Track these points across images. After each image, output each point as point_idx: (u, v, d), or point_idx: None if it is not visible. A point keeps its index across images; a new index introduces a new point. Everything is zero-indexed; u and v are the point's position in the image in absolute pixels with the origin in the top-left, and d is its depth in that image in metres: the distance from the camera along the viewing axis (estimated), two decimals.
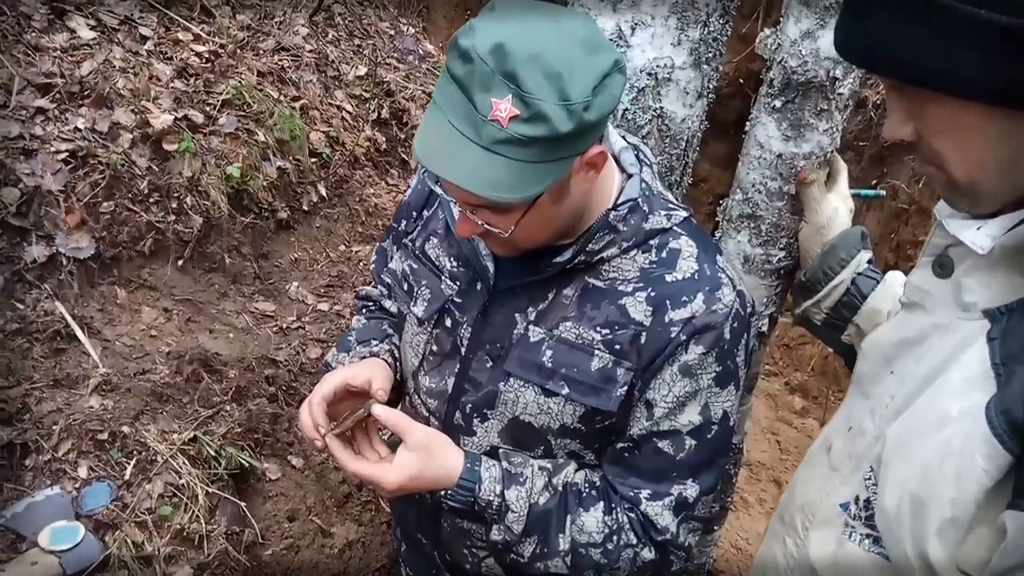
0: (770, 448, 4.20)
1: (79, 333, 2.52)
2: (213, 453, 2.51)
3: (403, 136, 4.00)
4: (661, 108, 1.79)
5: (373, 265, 1.85)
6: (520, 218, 1.32)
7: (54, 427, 2.26)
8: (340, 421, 1.53)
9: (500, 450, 1.56)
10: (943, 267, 1.14)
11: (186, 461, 2.40)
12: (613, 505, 1.51)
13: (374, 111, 3.88)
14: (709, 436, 1.48)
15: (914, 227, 3.95)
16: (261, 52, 3.60)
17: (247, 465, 2.62)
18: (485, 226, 1.34)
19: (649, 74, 1.75)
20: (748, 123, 1.82)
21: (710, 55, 1.79)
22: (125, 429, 2.37)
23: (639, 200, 1.44)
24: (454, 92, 1.23)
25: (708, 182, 5.24)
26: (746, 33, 4.49)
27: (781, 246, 1.83)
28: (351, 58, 3.98)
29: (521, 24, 1.22)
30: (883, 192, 2.03)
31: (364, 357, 1.70)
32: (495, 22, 1.22)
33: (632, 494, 1.49)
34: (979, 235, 1.04)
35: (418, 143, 1.27)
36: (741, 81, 4.87)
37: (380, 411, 1.47)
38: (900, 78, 0.99)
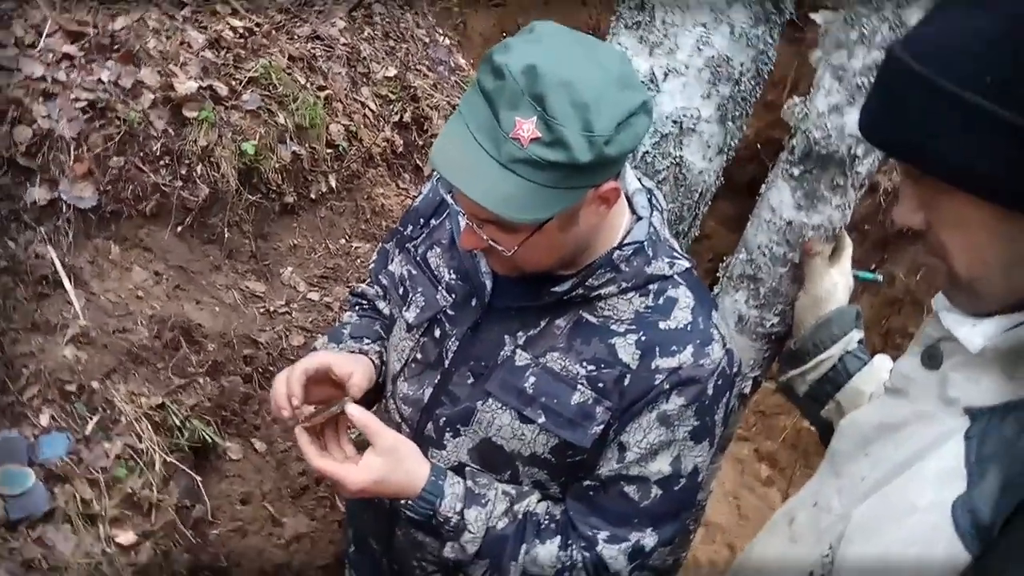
0: (729, 511, 4.19)
1: (66, 281, 2.51)
2: (178, 423, 2.49)
3: (421, 143, 4.00)
4: (681, 157, 1.80)
5: (373, 264, 1.84)
6: (525, 239, 1.32)
7: (24, 370, 2.24)
8: (312, 414, 1.52)
9: (467, 468, 1.55)
10: (932, 358, 1.15)
11: (149, 426, 2.38)
12: (570, 542, 1.50)
13: (397, 113, 3.89)
14: (676, 488, 1.48)
15: (906, 317, 3.96)
16: (296, 37, 3.60)
17: (210, 441, 2.60)
18: (489, 242, 1.34)
19: (675, 121, 1.76)
20: (764, 185, 1.83)
21: (737, 113, 1.80)
22: (94, 384, 2.35)
23: (645, 243, 1.45)
24: (480, 105, 1.23)
25: (711, 239, 5.25)
26: (771, 101, 4.53)
27: (776, 312, 1.84)
28: (383, 58, 3.99)
29: (557, 50, 1.23)
30: (881, 277, 2.04)
31: (353, 352, 1.69)
32: (532, 44, 1.23)
33: (590, 533, 1.49)
34: (973, 333, 1.04)
35: (436, 149, 1.27)
36: (759, 146, 4.91)
37: (354, 410, 1.46)
38: (919, 167, 1.00)
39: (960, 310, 1.08)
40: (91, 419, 2.30)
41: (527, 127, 1.19)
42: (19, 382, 2.23)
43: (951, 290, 1.08)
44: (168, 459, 2.39)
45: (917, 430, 1.12)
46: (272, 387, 1.56)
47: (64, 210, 2.59)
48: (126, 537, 2.19)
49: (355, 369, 1.59)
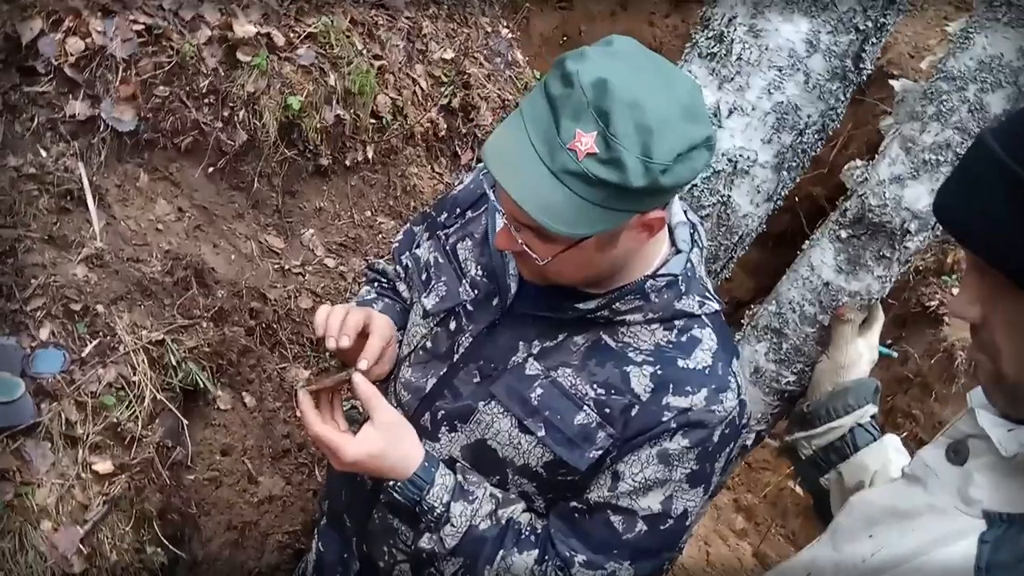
0: (698, 555, 4.16)
1: (90, 200, 2.49)
2: (174, 363, 2.46)
3: (464, 130, 3.97)
4: (729, 196, 1.77)
5: (396, 244, 1.82)
6: (560, 252, 1.30)
7: (32, 280, 2.22)
8: (320, 379, 1.50)
9: (458, 464, 1.53)
10: (957, 453, 1.12)
11: (145, 360, 2.36)
12: (547, 558, 1.48)
13: (446, 96, 3.86)
14: (662, 527, 1.46)
15: (911, 399, 3.93)
16: (361, 1, 3.58)
17: (202, 386, 2.57)
18: (524, 247, 1.32)
19: (730, 160, 1.74)
20: (808, 242, 1.81)
21: (794, 164, 1.78)
22: (99, 308, 2.33)
23: (679, 277, 1.42)
24: (543, 110, 1.21)
25: (731, 283, 5.23)
26: (818, 157, 4.50)
27: (795, 370, 1.82)
28: (443, 39, 3.96)
29: (632, 69, 1.21)
30: (895, 354, 2.02)
31: None
32: (607, 58, 1.21)
33: (568, 555, 1.47)
34: (1008, 437, 1.02)
35: (490, 143, 1.26)
36: (796, 199, 4.88)
37: (359, 381, 1.45)
38: (989, 259, 0.97)
39: (998, 411, 1.05)
40: (90, 342, 2.28)
41: (586, 141, 1.17)
42: (25, 291, 2.20)
43: (993, 389, 1.05)
44: (158, 396, 2.37)
45: (928, 523, 1.10)
46: (323, 315, 1.53)
47: (101, 129, 2.56)
48: (103, 466, 2.17)
49: (390, 357, 1.61)
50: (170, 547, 2.37)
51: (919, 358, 3.86)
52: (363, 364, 1.50)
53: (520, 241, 1.32)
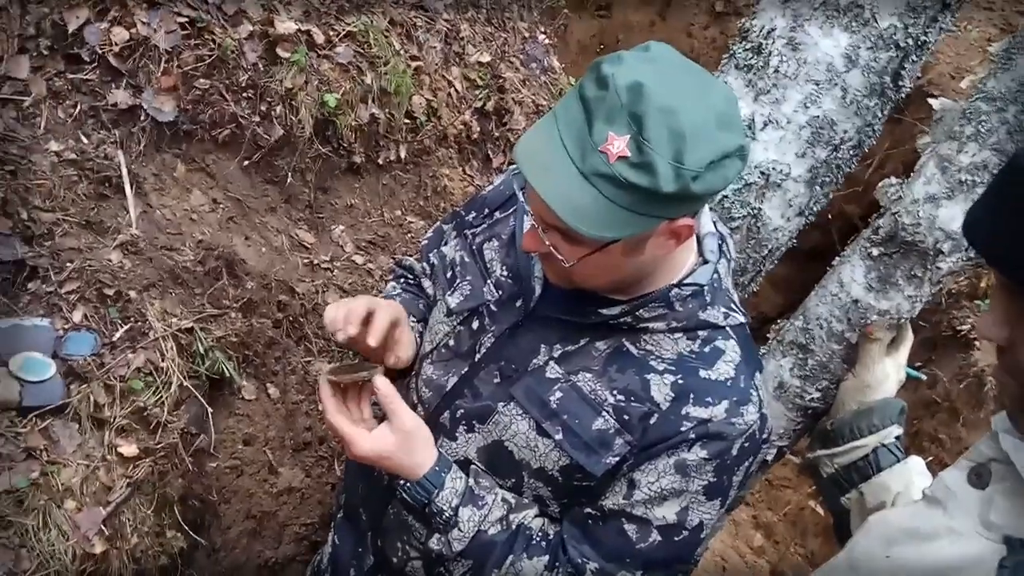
0: (714, 571, 4.13)
1: (127, 188, 2.52)
2: (202, 351, 2.49)
3: (497, 134, 3.98)
4: (759, 210, 1.77)
5: (425, 241, 1.83)
6: (587, 255, 1.29)
7: (68, 264, 2.25)
8: (340, 368, 1.51)
9: (472, 467, 1.54)
10: (979, 477, 1.11)
11: (174, 347, 2.38)
12: (557, 564, 1.47)
13: (481, 100, 3.87)
14: (676, 539, 1.45)
15: (938, 423, 3.88)
16: (401, 2, 3.60)
17: (228, 375, 2.60)
18: (550, 248, 1.32)
19: (762, 173, 1.73)
20: (838, 258, 1.79)
21: (827, 179, 1.77)
22: (132, 293, 2.35)
23: (705, 288, 1.42)
24: (577, 112, 1.21)
25: (757, 297, 5.19)
26: (851, 174, 4.46)
27: (819, 387, 1.80)
28: (480, 42, 3.98)
29: (668, 75, 1.20)
30: (924, 376, 2.00)
31: None
32: (644, 63, 1.21)
33: (580, 561, 1.46)
34: None
35: (521, 143, 1.26)
36: (829, 216, 4.83)
37: (381, 384, 1.45)
38: (1018, 281, 0.96)
39: (1022, 435, 1.04)
40: (121, 327, 2.30)
41: (618, 144, 1.16)
42: (61, 274, 2.23)
43: (1018, 413, 1.04)
44: (184, 383, 2.39)
45: (947, 546, 1.09)
46: (331, 312, 1.55)
47: (142, 118, 2.60)
48: (128, 449, 2.19)
49: (406, 343, 1.61)
50: (190, 532, 2.39)
51: (948, 382, 3.81)
52: (399, 364, 1.54)
53: (547, 243, 1.32)
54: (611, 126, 1.17)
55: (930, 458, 3.65)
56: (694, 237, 1.46)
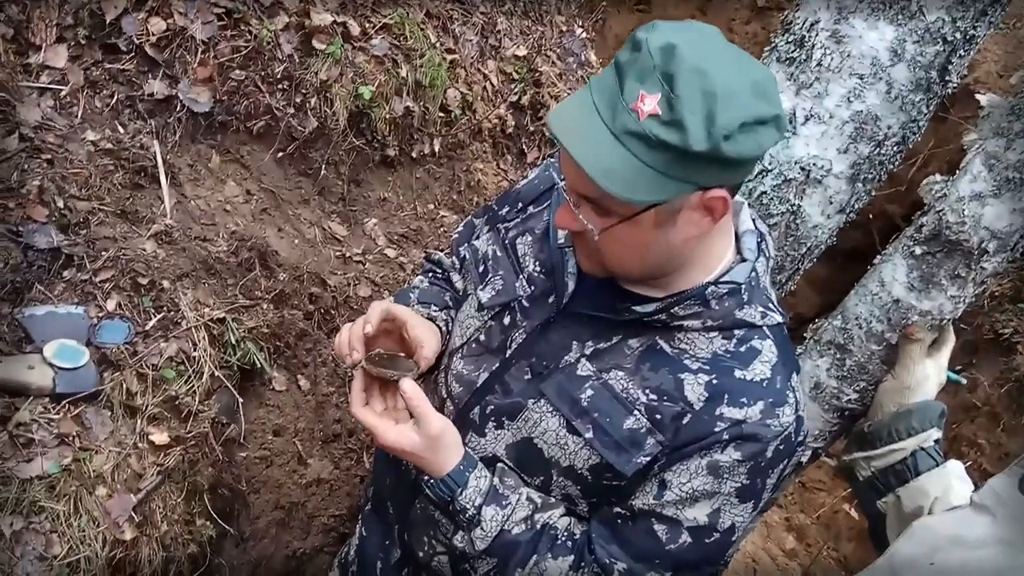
0: (744, 573, 4.09)
1: (163, 178, 2.53)
2: (234, 341, 2.50)
3: (532, 128, 3.96)
4: (799, 207, 1.73)
5: (456, 235, 1.81)
6: (618, 222, 1.26)
7: (103, 253, 2.27)
8: (374, 357, 1.49)
9: (499, 465, 1.52)
10: None
11: (206, 337, 2.39)
12: (583, 564, 1.45)
13: (516, 94, 3.85)
14: (707, 540, 1.41)
15: (978, 427, 3.81)
16: None
17: (259, 366, 2.61)
18: (582, 220, 1.29)
19: (803, 168, 1.69)
20: (879, 256, 1.75)
21: (870, 176, 1.73)
22: (165, 283, 2.37)
23: (742, 286, 1.38)
24: (610, 76, 1.20)
25: (795, 297, 5.13)
26: (895, 173, 4.39)
27: (857, 388, 1.76)
28: (516, 35, 3.96)
29: (703, 42, 1.19)
30: (964, 380, 1.96)
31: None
32: (680, 30, 1.19)
33: (607, 562, 1.43)
34: None
35: (555, 110, 1.24)
36: (871, 216, 4.76)
37: (408, 387, 1.43)
38: None
39: None
40: (154, 316, 2.32)
41: (649, 102, 1.15)
42: (96, 263, 2.26)
43: None
44: (216, 373, 2.40)
45: (995, 555, 1.05)
46: (339, 333, 1.55)
47: (178, 109, 2.61)
48: (159, 437, 2.21)
49: (429, 341, 1.57)
50: (219, 521, 2.40)
51: (988, 386, 3.73)
52: (422, 364, 1.53)
53: (581, 218, 1.30)
54: (642, 85, 1.15)
55: (969, 463, 3.59)
56: (731, 230, 1.43)
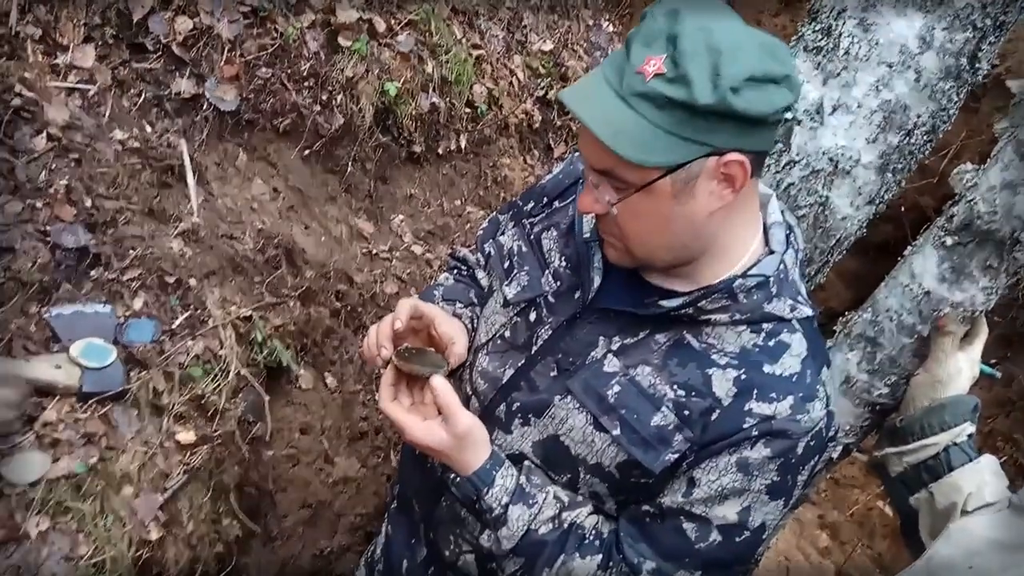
0: (777, 571, 4.05)
1: (190, 176, 2.54)
2: (260, 339, 2.50)
3: (558, 123, 3.95)
4: (827, 198, 1.70)
5: (481, 231, 1.80)
6: (634, 192, 1.25)
7: (131, 251, 2.28)
8: (409, 357, 1.49)
9: (526, 463, 1.50)
10: None
11: (233, 335, 2.40)
12: (611, 564, 1.43)
13: (543, 88, 3.84)
14: (737, 539, 1.39)
15: (1013, 423, 3.75)
16: None
17: (285, 364, 2.61)
18: (603, 199, 1.28)
19: (831, 159, 1.67)
20: (909, 248, 1.72)
21: (900, 166, 1.70)
22: (192, 282, 2.38)
23: (771, 279, 1.36)
24: (619, 49, 1.22)
25: (826, 291, 5.07)
26: (927, 165, 4.32)
27: (889, 382, 1.73)
28: (543, 30, 3.94)
29: (711, 8, 1.20)
30: (999, 374, 1.92)
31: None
32: (687, 1, 1.20)
33: (636, 561, 1.42)
34: None
35: (569, 87, 1.26)
36: (903, 209, 4.69)
37: (438, 384, 1.42)
38: None
39: None
40: (181, 314, 2.32)
41: (654, 63, 1.16)
42: (124, 261, 2.26)
43: None
44: (243, 371, 2.41)
45: None
46: (367, 333, 1.55)
47: (205, 107, 2.62)
48: (186, 436, 2.21)
49: (459, 338, 1.58)
50: (246, 520, 2.41)
51: (1023, 380, 3.68)
52: (452, 360, 1.53)
53: (605, 199, 1.28)
54: (648, 48, 1.17)
55: (1004, 458, 3.53)
56: (760, 225, 1.41)
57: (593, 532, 1.46)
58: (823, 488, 4.59)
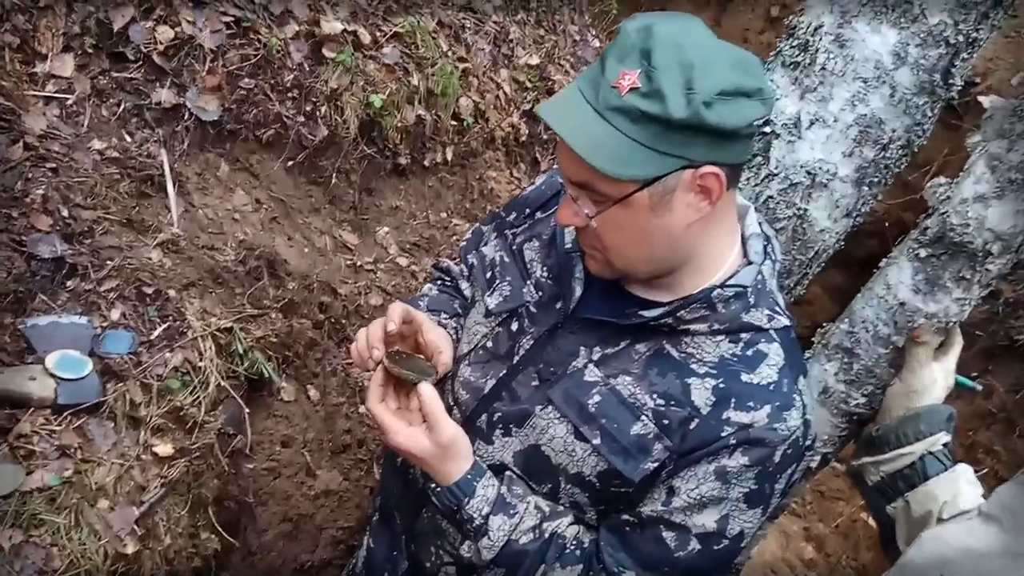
0: None
1: (169, 186, 2.53)
2: (241, 351, 2.49)
3: (545, 137, 3.96)
4: (805, 210, 1.71)
5: (464, 242, 1.81)
6: (612, 205, 1.26)
7: (108, 262, 2.26)
8: (399, 361, 1.48)
9: (507, 473, 1.50)
10: None
11: (213, 347, 2.38)
12: (591, 573, 1.44)
13: (529, 102, 3.85)
14: (716, 547, 1.40)
15: (995, 434, 3.77)
16: (450, 3, 3.59)
17: (267, 376, 2.59)
18: (584, 213, 1.29)
19: (808, 172, 1.68)
20: (884, 260, 1.73)
21: (876, 180, 1.71)
22: (171, 292, 2.36)
23: (748, 289, 1.37)
24: (595, 64, 1.24)
25: (813, 306, 5.09)
26: (911, 182, 4.36)
27: (865, 392, 1.74)
28: (529, 44, 3.96)
29: (683, 24, 1.23)
30: (980, 387, 1.93)
31: None
32: (661, 16, 1.23)
33: (616, 570, 1.43)
34: None
35: (545, 101, 1.28)
36: (887, 225, 4.73)
37: (426, 391, 1.43)
38: None
39: None
40: (159, 325, 2.31)
41: (629, 78, 1.18)
42: (101, 272, 2.24)
43: None
44: (222, 383, 2.39)
45: (1005, 565, 1.03)
46: (356, 338, 1.55)
47: (186, 117, 2.61)
48: (163, 448, 2.19)
49: (446, 347, 1.59)
50: (224, 534, 2.38)
51: (1004, 393, 3.70)
52: (441, 369, 1.54)
53: (584, 211, 1.30)
54: (622, 64, 1.19)
55: (985, 470, 3.55)
56: (738, 236, 1.42)
57: (574, 542, 1.46)
58: (808, 500, 4.60)
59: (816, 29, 1.66)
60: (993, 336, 3.78)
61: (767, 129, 1.68)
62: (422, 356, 1.56)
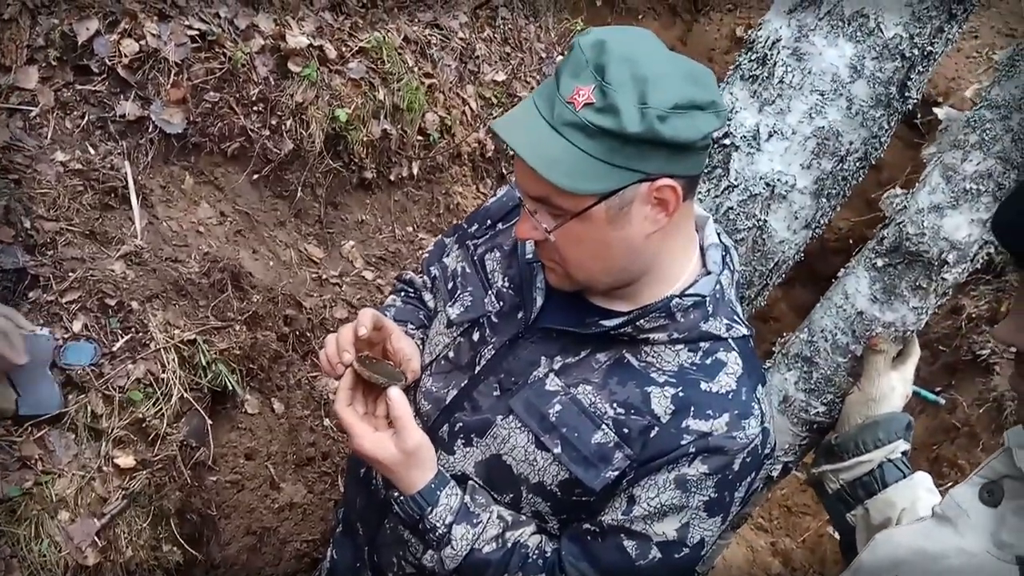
0: None
1: (133, 199, 2.52)
2: (204, 363, 2.47)
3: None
4: (765, 221, 1.74)
5: (427, 254, 1.81)
6: (569, 219, 1.27)
7: (70, 274, 2.25)
8: (370, 365, 1.48)
9: (470, 483, 1.50)
10: (991, 494, 1.06)
11: (176, 359, 2.37)
12: None
13: (495, 118, 3.87)
14: (676, 556, 1.41)
15: (959, 448, 3.81)
16: (416, 20, 3.61)
17: (230, 389, 2.58)
18: (543, 228, 1.30)
19: (767, 184, 1.70)
20: (843, 270, 1.76)
21: (834, 191, 1.74)
22: (134, 304, 2.34)
23: (707, 299, 1.39)
24: (549, 79, 1.25)
25: (780, 322, 5.13)
26: (874, 199, 4.42)
27: (825, 401, 1.76)
28: (495, 61, 3.98)
29: (635, 38, 1.25)
30: (943, 401, 1.96)
31: None
32: (613, 31, 1.24)
33: None
34: None
35: (501, 117, 1.28)
36: (851, 241, 4.79)
37: (395, 396, 1.43)
38: None
39: None
40: (122, 337, 2.29)
41: (584, 93, 1.19)
42: (63, 283, 2.23)
43: None
44: (185, 395, 2.37)
45: (957, 565, 1.04)
46: (325, 343, 1.54)
47: (150, 130, 2.60)
48: (125, 460, 2.17)
49: (414, 356, 1.59)
50: (187, 547, 2.36)
51: (967, 407, 3.74)
52: (409, 376, 1.55)
53: (542, 226, 1.31)
54: (576, 79, 1.20)
55: (950, 484, 3.58)
56: (696, 246, 1.44)
57: (536, 551, 1.46)
58: (775, 515, 4.62)
59: (774, 43, 1.69)
60: (956, 351, 3.82)
61: (727, 141, 1.70)
62: (391, 362, 1.56)
